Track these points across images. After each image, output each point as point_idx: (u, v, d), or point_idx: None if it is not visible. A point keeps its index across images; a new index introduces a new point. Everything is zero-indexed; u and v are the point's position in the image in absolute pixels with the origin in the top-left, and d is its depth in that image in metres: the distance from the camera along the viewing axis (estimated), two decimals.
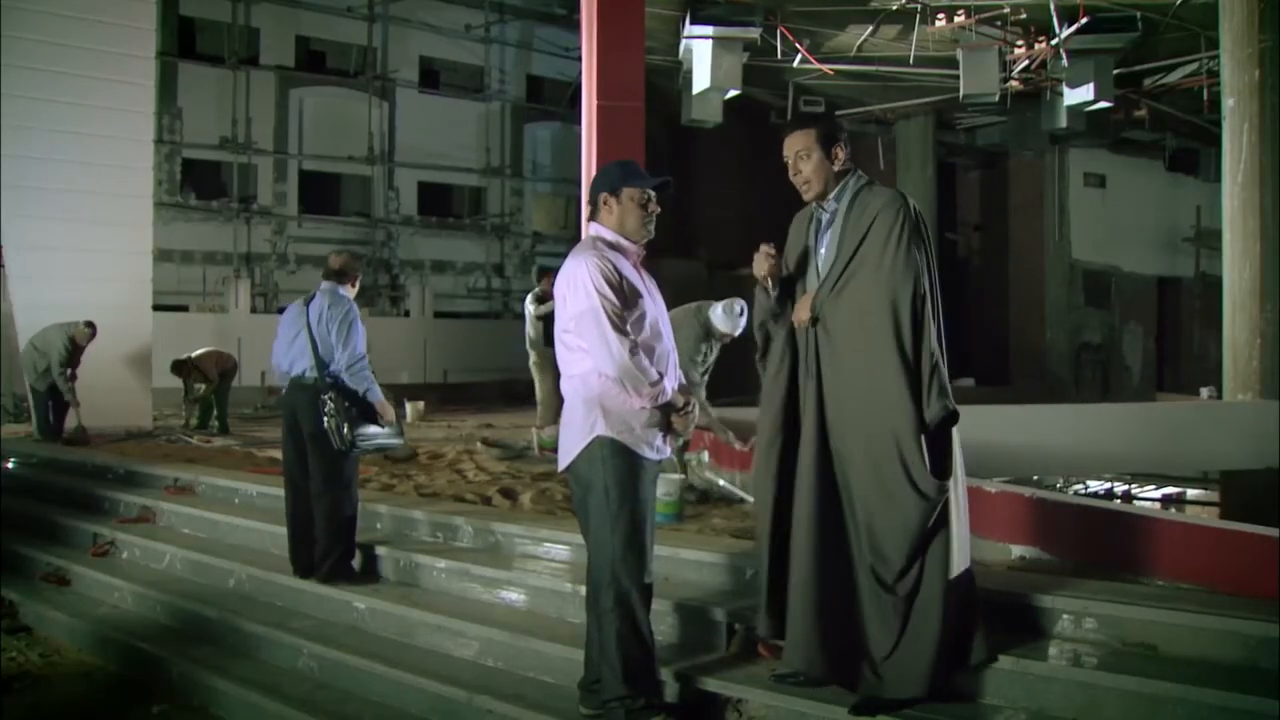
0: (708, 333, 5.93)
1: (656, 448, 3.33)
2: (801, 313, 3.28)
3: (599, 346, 3.19)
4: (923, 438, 3.05)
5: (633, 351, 3.19)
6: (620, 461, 3.24)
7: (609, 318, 3.18)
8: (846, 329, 3.17)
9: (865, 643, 3.16)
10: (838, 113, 17.74)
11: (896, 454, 3.05)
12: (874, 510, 3.12)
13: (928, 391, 3.06)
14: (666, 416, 3.31)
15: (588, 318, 3.20)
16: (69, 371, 9.18)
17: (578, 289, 3.24)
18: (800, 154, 3.29)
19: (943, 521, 3.09)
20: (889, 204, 3.17)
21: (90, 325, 9.28)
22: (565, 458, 3.37)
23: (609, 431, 3.24)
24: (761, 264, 3.36)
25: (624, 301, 3.23)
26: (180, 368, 10.29)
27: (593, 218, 3.44)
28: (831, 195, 3.29)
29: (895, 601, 3.11)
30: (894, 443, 3.06)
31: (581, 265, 3.25)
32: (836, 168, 3.28)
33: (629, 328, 3.22)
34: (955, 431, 3.15)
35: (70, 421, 9.35)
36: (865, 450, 3.12)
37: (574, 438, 3.31)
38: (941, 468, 3.07)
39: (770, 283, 3.38)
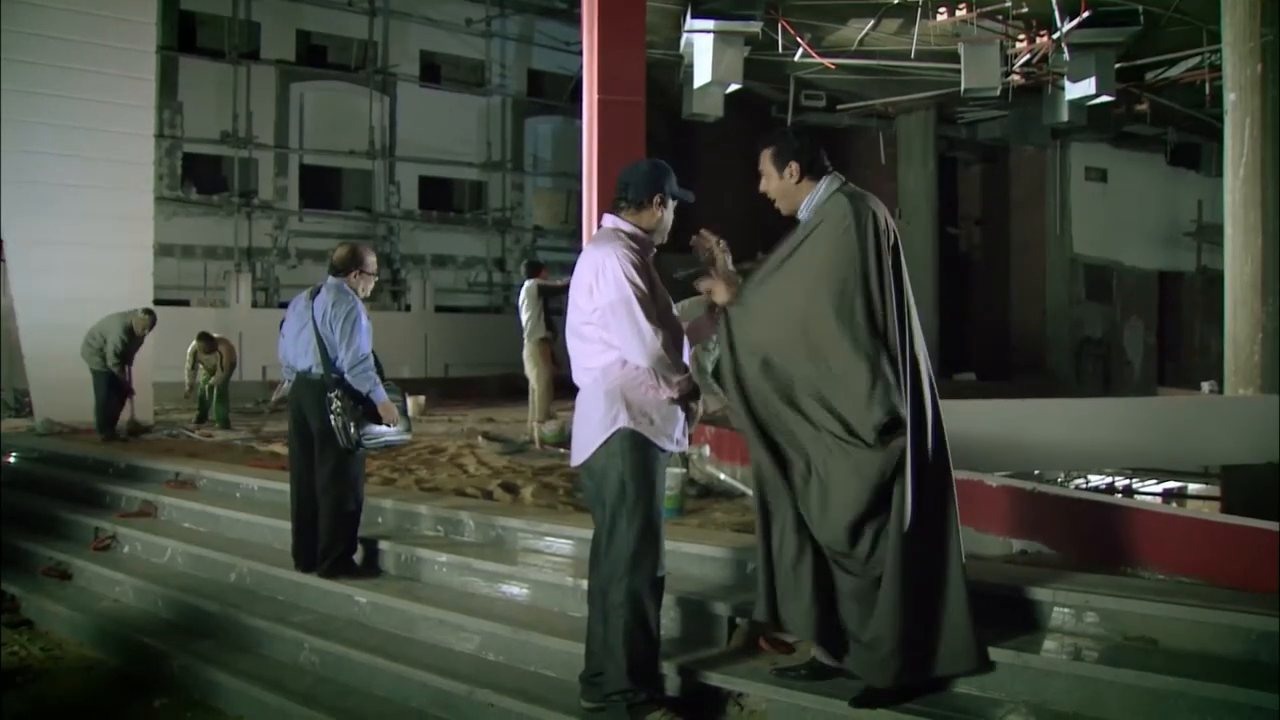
0: None
1: (675, 440, 3.30)
2: (719, 292, 3.24)
3: (630, 336, 3.14)
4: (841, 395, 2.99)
5: (664, 342, 3.15)
6: (639, 454, 3.20)
7: (641, 307, 3.13)
8: (766, 314, 3.14)
9: (844, 624, 3.16)
10: (839, 107, 17.74)
11: (831, 418, 3.01)
12: (822, 481, 3.06)
13: (871, 390, 2.97)
14: (685, 406, 3.29)
15: (619, 308, 3.14)
16: (124, 365, 9.02)
17: (607, 279, 3.16)
18: (763, 173, 3.31)
19: (886, 502, 3.01)
20: (834, 209, 3.10)
21: (149, 313, 9.18)
22: (582, 452, 3.30)
23: (630, 423, 3.19)
24: (714, 254, 3.36)
25: (653, 292, 3.19)
26: (206, 339, 10.28)
27: (617, 210, 3.35)
28: (802, 206, 3.24)
29: (859, 584, 3.10)
30: (825, 409, 3.02)
31: (610, 255, 3.18)
32: (793, 183, 3.23)
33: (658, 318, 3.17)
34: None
35: (124, 415, 9.27)
36: (806, 429, 3.07)
37: (593, 431, 3.25)
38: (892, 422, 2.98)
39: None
